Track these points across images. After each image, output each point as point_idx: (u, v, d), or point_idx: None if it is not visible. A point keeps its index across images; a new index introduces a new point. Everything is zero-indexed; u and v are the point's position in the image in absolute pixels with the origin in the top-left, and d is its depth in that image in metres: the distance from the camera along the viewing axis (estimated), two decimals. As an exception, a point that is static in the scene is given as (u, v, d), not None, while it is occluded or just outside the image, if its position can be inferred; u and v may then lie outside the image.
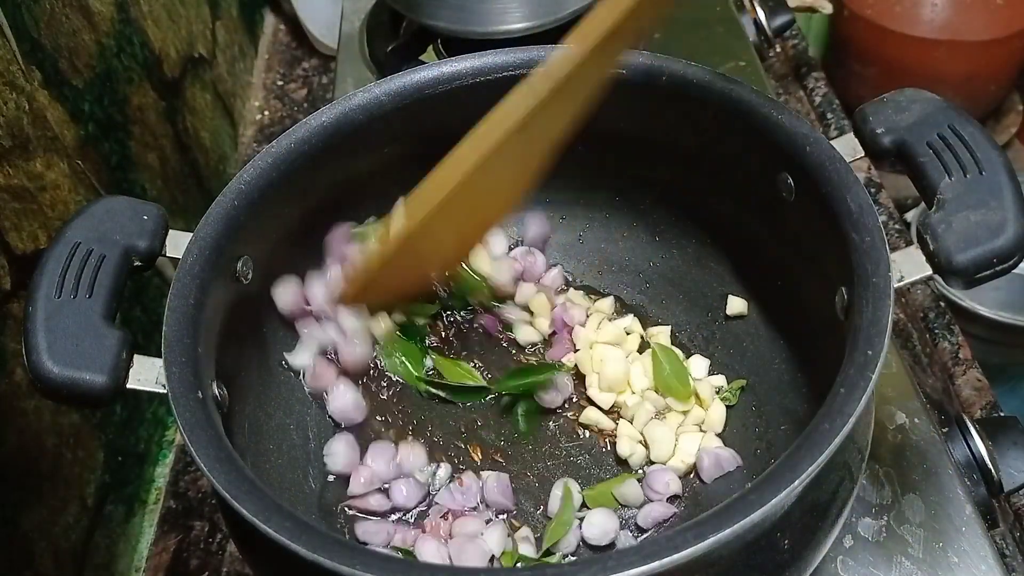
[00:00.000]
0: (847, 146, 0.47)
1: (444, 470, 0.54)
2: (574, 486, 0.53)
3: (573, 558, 0.51)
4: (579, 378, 0.58)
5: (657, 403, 0.56)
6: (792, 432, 0.52)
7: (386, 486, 0.53)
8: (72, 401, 0.41)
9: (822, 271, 0.46)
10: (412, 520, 0.53)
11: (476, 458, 0.56)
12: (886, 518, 0.52)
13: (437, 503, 0.53)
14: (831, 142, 0.46)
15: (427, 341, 0.60)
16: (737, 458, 0.52)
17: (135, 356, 0.43)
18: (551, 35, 0.77)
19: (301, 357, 0.55)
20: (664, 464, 0.53)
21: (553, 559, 0.50)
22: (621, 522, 0.52)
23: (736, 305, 0.58)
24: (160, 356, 0.42)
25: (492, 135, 0.44)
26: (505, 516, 0.53)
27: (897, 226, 0.83)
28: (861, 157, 0.47)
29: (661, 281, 0.62)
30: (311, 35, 1.09)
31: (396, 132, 0.55)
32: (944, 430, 0.57)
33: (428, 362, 0.59)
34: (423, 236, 0.47)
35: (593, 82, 0.45)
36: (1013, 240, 0.40)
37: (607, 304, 0.61)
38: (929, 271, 0.41)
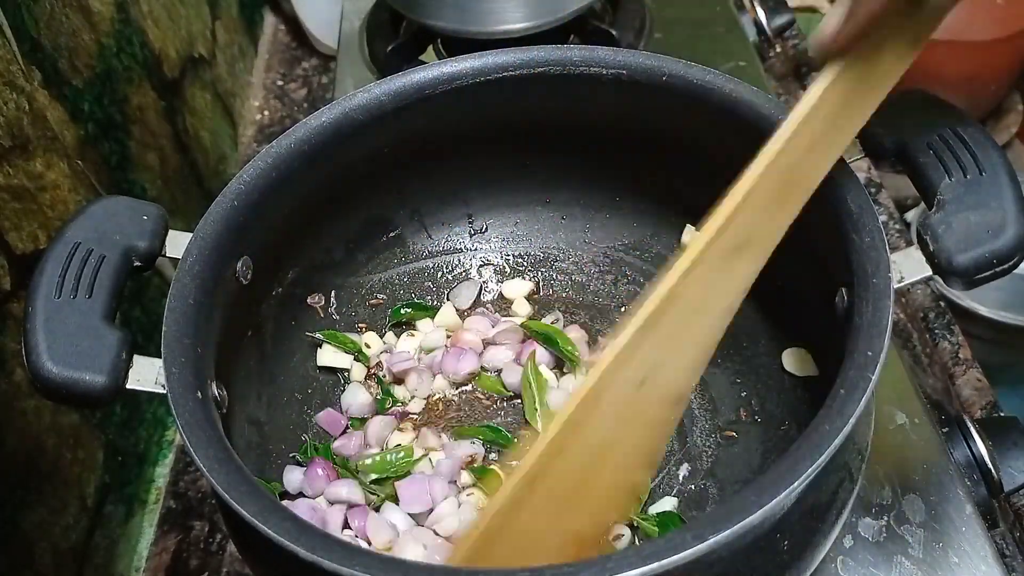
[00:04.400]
0: (847, 146, 0.47)
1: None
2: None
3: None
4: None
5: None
6: (793, 432, 0.52)
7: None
8: (72, 401, 0.41)
9: (822, 272, 0.46)
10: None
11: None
12: (886, 518, 0.52)
13: None
14: (831, 142, 0.46)
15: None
16: None
17: (135, 356, 0.43)
18: (551, 35, 0.77)
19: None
20: None
21: None
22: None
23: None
24: (160, 356, 0.42)
25: (592, 376, 0.35)
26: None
27: (897, 226, 0.82)
28: (861, 157, 0.47)
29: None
30: (311, 35, 1.09)
31: (396, 132, 0.55)
32: (944, 430, 0.57)
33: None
34: (525, 514, 0.37)
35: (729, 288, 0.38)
36: (1013, 241, 0.40)
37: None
38: (929, 271, 0.41)
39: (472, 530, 0.38)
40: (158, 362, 0.42)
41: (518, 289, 0.64)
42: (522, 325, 0.60)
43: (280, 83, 1.10)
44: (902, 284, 0.41)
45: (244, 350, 0.52)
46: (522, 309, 0.63)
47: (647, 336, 0.35)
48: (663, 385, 0.37)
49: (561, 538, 0.39)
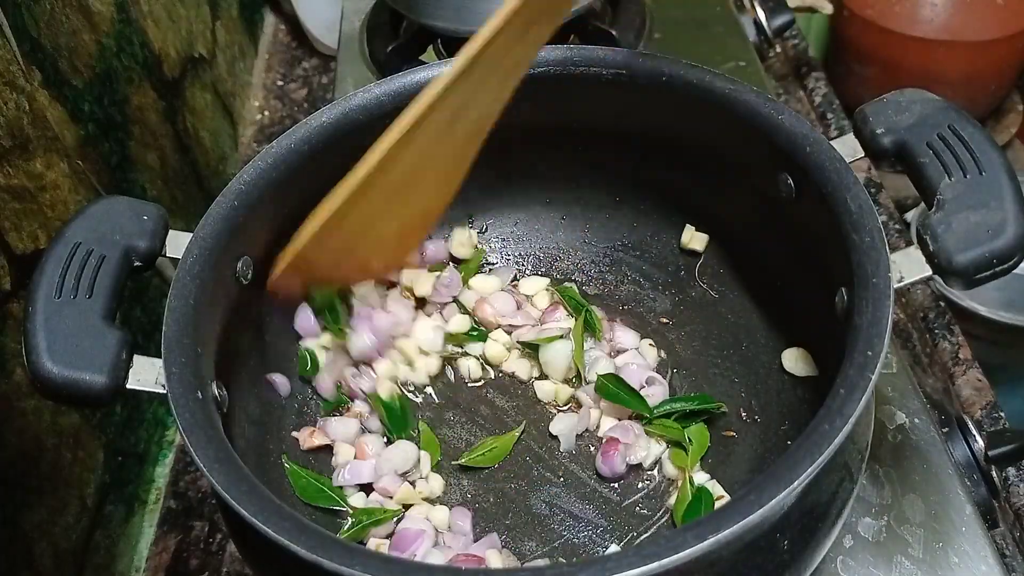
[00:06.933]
0: (847, 146, 0.47)
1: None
2: None
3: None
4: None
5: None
6: (793, 432, 0.52)
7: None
8: (72, 401, 0.42)
9: (822, 272, 0.46)
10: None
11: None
12: (886, 518, 0.52)
13: None
14: (831, 142, 0.46)
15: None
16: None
17: (135, 356, 0.43)
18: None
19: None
20: None
21: None
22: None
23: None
24: (160, 356, 0.42)
25: (411, 114, 0.44)
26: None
27: (897, 226, 0.83)
28: (861, 157, 0.47)
29: (661, 282, 0.62)
30: (311, 35, 1.09)
31: (396, 132, 0.55)
32: (944, 430, 0.57)
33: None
34: (353, 217, 0.48)
35: (514, 61, 0.46)
36: (1013, 241, 0.40)
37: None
38: (929, 271, 0.41)
39: (307, 227, 0.48)
40: (158, 362, 0.42)
41: (536, 285, 0.63)
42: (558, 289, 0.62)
43: (280, 83, 1.10)
44: (902, 284, 0.41)
45: (244, 350, 0.52)
46: (541, 302, 0.63)
47: (461, 84, 0.44)
48: (468, 122, 0.48)
49: (379, 241, 0.53)
